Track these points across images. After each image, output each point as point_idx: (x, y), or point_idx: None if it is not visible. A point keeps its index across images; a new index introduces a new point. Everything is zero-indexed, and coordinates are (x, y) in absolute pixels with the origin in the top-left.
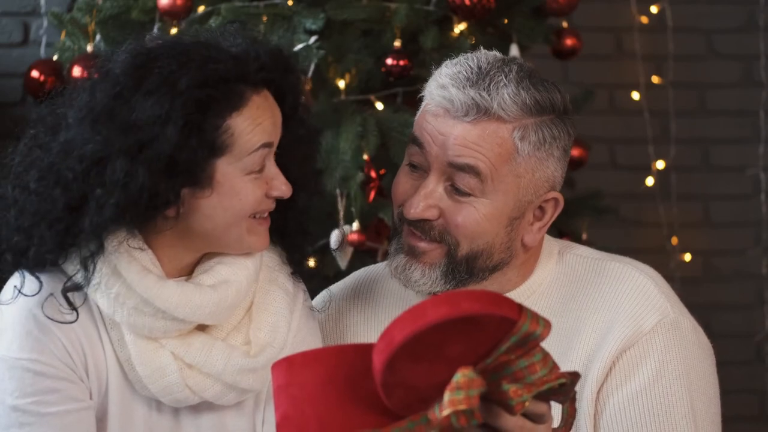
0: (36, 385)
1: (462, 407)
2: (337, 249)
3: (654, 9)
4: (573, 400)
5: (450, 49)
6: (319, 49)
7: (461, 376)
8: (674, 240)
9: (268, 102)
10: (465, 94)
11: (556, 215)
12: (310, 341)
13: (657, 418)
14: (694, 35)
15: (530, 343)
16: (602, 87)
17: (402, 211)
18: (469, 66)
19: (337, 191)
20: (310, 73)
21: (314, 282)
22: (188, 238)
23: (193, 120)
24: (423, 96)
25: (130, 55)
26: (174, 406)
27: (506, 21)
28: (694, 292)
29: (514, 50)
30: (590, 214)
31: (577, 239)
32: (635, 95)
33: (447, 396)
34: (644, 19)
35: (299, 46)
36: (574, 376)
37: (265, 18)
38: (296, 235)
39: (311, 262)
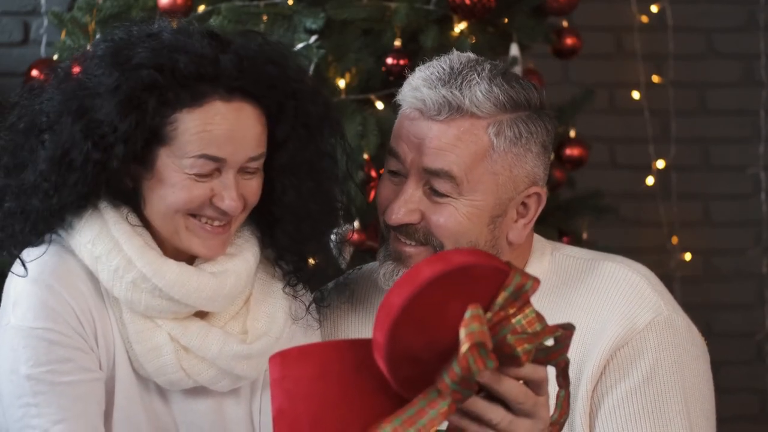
0: (50, 354)
1: (479, 339)
2: (338, 249)
3: (654, 8)
4: (567, 386)
5: (450, 48)
6: (319, 49)
7: (472, 311)
8: (674, 240)
9: (237, 115)
10: (436, 92)
11: (539, 210)
12: (308, 332)
13: (652, 415)
14: (694, 35)
15: (523, 296)
16: (602, 86)
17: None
18: (442, 67)
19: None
20: (310, 73)
21: (314, 282)
22: (152, 225)
23: (135, 97)
24: (399, 102)
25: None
26: (169, 389)
27: (506, 20)
28: (694, 291)
29: (514, 50)
30: (590, 214)
31: (578, 239)
32: (635, 95)
33: (463, 332)
34: (644, 19)
35: (299, 46)
36: (568, 329)
37: (265, 17)
38: (308, 241)
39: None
